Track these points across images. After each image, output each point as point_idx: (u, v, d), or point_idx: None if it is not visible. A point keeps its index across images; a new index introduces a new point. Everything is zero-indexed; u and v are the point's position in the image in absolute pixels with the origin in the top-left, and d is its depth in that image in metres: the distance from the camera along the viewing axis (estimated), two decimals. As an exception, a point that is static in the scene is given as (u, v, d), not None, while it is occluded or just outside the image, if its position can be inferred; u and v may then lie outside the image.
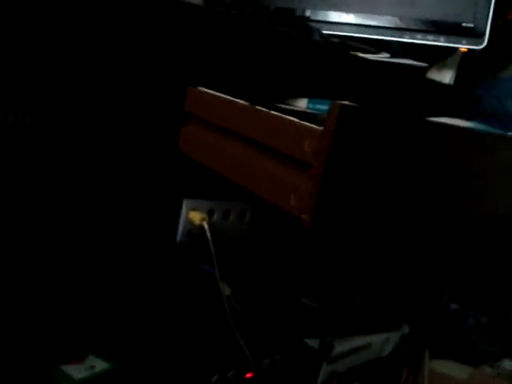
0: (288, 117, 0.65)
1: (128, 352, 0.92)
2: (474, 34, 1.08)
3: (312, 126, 0.61)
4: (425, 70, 1.17)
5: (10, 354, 0.84)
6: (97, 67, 0.85)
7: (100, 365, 0.91)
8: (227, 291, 0.87)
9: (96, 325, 0.94)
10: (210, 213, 0.91)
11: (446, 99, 1.17)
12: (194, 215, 0.87)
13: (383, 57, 1.09)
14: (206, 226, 0.83)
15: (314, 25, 1.07)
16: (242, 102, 0.73)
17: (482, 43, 1.08)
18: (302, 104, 0.86)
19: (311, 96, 0.87)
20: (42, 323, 0.88)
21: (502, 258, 1.20)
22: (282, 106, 0.80)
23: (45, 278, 0.88)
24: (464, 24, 1.08)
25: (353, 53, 1.04)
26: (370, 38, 1.15)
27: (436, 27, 1.10)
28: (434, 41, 1.10)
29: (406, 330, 1.14)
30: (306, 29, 1.02)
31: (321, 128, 0.59)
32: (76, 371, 0.88)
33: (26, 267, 0.87)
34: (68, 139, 0.86)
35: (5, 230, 0.84)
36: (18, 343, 0.86)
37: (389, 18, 1.14)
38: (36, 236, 0.87)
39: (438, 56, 1.19)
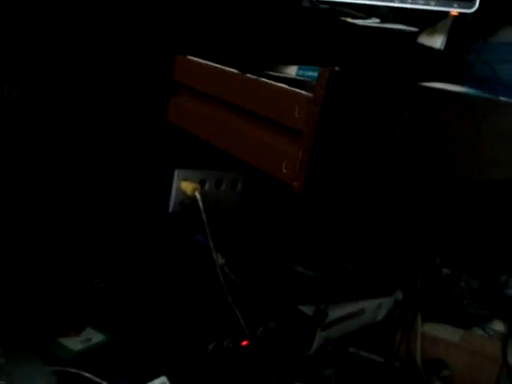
0: (278, 84, 0.65)
1: (124, 323, 0.93)
2: (465, -3, 1.07)
3: (302, 92, 0.61)
4: (415, 34, 1.15)
5: (8, 328, 0.85)
6: (83, 38, 0.84)
7: (97, 337, 0.92)
8: (221, 261, 0.87)
9: (92, 298, 0.94)
10: (202, 182, 0.90)
11: (436, 64, 1.17)
12: (185, 185, 0.87)
13: (373, 22, 1.08)
14: (198, 195, 0.83)
15: (302, -10, 1.05)
16: (231, 69, 0.72)
17: (473, 7, 1.07)
18: (292, 71, 0.85)
19: (301, 63, 0.86)
20: (38, 297, 0.89)
21: (493, 223, 1.21)
22: (272, 73, 0.79)
23: (39, 253, 0.88)
24: (455, -13, 1.07)
25: (342, 18, 1.03)
26: (360, 4, 1.13)
27: (426, -9, 1.09)
28: (425, 5, 1.09)
29: (399, 295, 1.15)
30: (295, -6, 1.00)
31: (311, 94, 0.58)
32: (73, 343, 0.89)
33: (22, 243, 0.87)
34: (56, 113, 0.85)
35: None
36: (16, 317, 0.86)
37: (378, -18, 1.12)
38: (27, 211, 0.86)
39: (428, 20, 1.17)
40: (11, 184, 0.84)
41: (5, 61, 0.79)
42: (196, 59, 0.80)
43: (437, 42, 1.18)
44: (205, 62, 0.78)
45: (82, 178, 0.89)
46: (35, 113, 0.84)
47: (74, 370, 0.82)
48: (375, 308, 1.10)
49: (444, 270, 1.21)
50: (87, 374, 0.81)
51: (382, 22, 1.10)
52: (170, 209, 0.89)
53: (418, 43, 1.16)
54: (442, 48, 1.18)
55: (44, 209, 0.87)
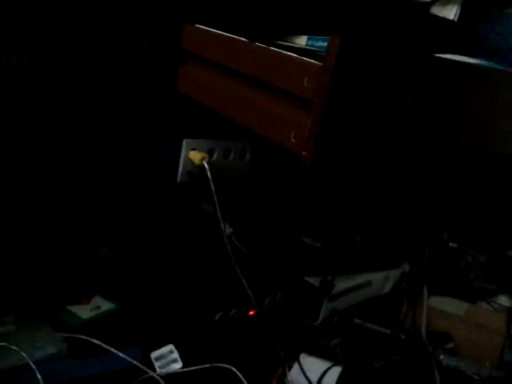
0: (287, 52, 0.64)
1: (133, 292, 0.94)
2: (480, -34, 1.04)
3: (311, 61, 0.60)
4: (429, 5, 1.13)
5: (19, 296, 0.86)
6: (90, 3, 0.83)
7: (106, 305, 0.93)
8: (229, 230, 0.88)
9: (100, 267, 0.95)
10: (210, 152, 0.90)
11: (449, 35, 1.15)
12: (194, 155, 0.86)
13: (385, -9, 1.06)
14: (206, 165, 0.83)
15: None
16: (240, 38, 0.72)
17: (488, -24, 1.04)
18: (302, 41, 0.84)
19: (311, 33, 0.85)
20: (48, 266, 0.90)
21: (501, 198, 1.20)
22: (281, 42, 0.78)
23: (50, 223, 0.89)
24: (470, -45, 1.04)
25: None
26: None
27: (441, -41, 1.06)
28: (438, -26, 1.06)
29: (405, 267, 1.15)
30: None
31: (320, 63, 0.58)
32: (83, 311, 0.90)
33: (32, 213, 0.87)
34: (64, 82, 0.85)
35: (9, 174, 0.84)
36: (26, 285, 0.87)
37: (392, -50, 1.09)
38: (36, 181, 0.87)
39: (442, -10, 1.15)
40: (20, 152, 0.84)
41: (12, 28, 0.79)
42: (205, 28, 0.79)
43: (450, 12, 1.16)
44: (214, 30, 0.77)
45: (91, 148, 0.89)
46: (43, 81, 0.83)
47: (83, 337, 0.83)
48: (382, 280, 1.11)
49: (451, 244, 1.21)
50: (96, 341, 0.82)
51: (395, -9, 1.07)
52: (178, 179, 0.89)
53: (431, 14, 1.14)
54: (456, 19, 1.16)
55: (54, 179, 0.88)
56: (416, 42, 1.06)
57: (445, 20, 1.15)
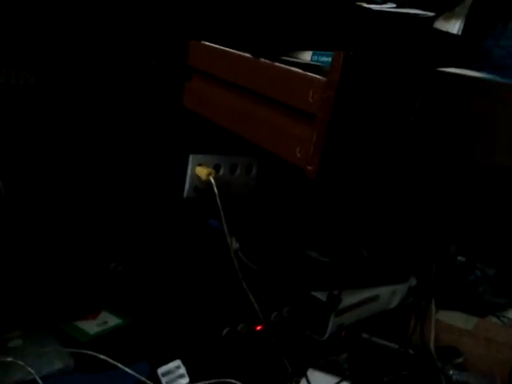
0: (292, 68, 0.65)
1: (140, 307, 0.94)
2: (484, -19, 1.05)
3: (316, 76, 0.61)
4: (432, 19, 1.14)
5: (26, 311, 0.86)
6: (98, 24, 0.84)
7: (113, 320, 0.93)
8: (235, 245, 0.88)
9: (108, 282, 0.96)
10: (217, 167, 0.91)
11: (454, 50, 1.15)
12: (200, 170, 0.87)
13: (389, 7, 1.06)
14: (212, 180, 0.83)
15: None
16: (246, 54, 0.72)
17: (491, -10, 1.05)
18: (307, 56, 0.85)
19: (316, 48, 0.85)
20: (56, 281, 0.90)
21: (509, 211, 1.20)
22: (286, 58, 0.78)
23: (57, 237, 0.90)
24: (473, -30, 1.05)
25: (358, 3, 1.02)
26: (376, -12, 1.12)
27: (444, -26, 1.07)
28: (442, -11, 1.07)
29: (413, 282, 1.15)
30: (310, -21, 0.99)
31: (325, 79, 0.58)
32: (90, 326, 0.90)
33: (40, 227, 0.88)
34: (73, 99, 0.86)
35: (18, 189, 0.84)
36: (34, 300, 0.88)
37: (395, -35, 1.10)
38: (45, 195, 0.87)
39: (445, 5, 1.16)
40: (30, 168, 0.85)
41: (22, 46, 0.80)
42: (210, 44, 0.80)
43: (454, 26, 1.17)
44: (219, 46, 0.78)
45: (99, 164, 0.90)
46: (52, 98, 0.84)
47: (90, 353, 0.83)
48: (389, 294, 1.10)
49: (459, 257, 1.20)
50: (103, 357, 0.82)
51: (398, 6, 1.08)
52: (185, 194, 0.90)
53: (434, 28, 1.15)
54: (460, 33, 1.16)
55: (62, 193, 0.88)
56: (420, 56, 1.07)
57: (448, 34, 1.15)
